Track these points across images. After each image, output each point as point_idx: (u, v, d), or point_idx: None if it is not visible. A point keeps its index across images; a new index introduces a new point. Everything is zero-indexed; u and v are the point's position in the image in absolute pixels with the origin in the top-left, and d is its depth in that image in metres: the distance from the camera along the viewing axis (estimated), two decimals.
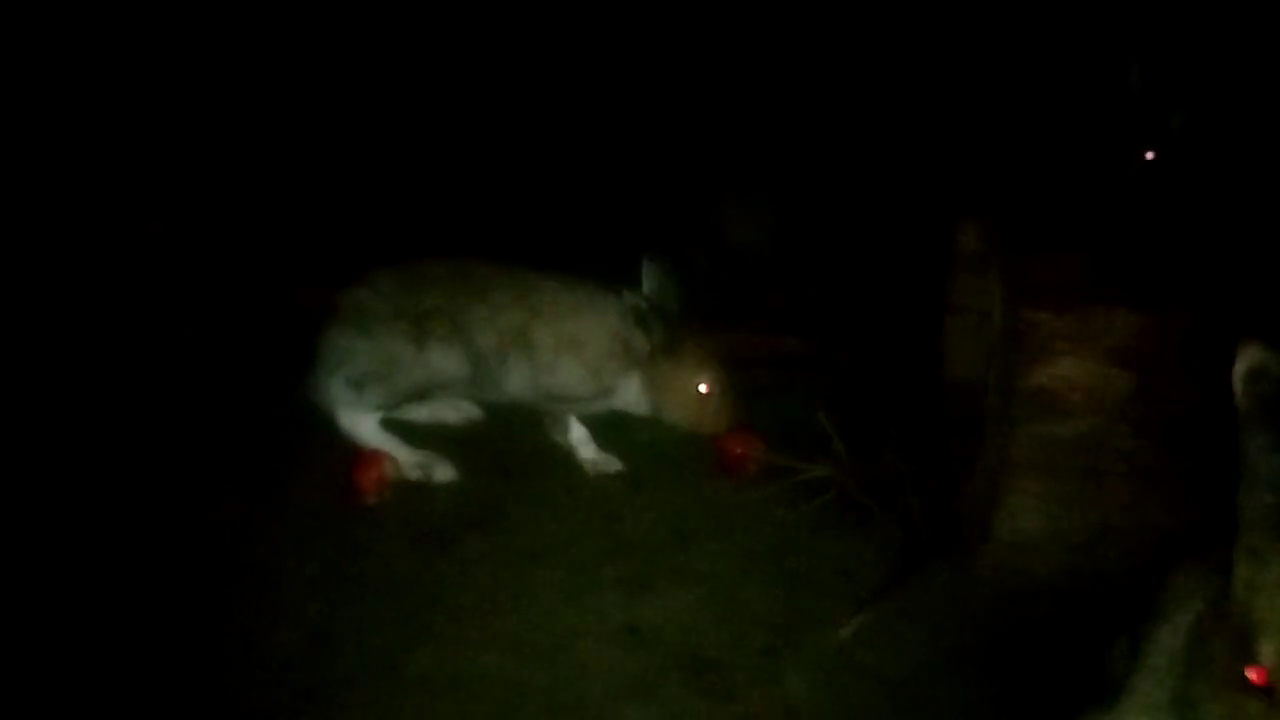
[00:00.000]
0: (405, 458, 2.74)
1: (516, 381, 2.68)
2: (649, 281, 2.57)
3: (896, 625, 2.33)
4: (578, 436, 2.81)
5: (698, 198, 3.71)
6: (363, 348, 2.66)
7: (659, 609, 2.39)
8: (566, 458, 2.81)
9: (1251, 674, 1.34)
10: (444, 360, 2.66)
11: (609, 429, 2.85)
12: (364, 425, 2.73)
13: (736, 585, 2.46)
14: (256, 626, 2.32)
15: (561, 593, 2.42)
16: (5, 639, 2.20)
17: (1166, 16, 3.36)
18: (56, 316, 3.26)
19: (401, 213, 3.72)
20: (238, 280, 3.42)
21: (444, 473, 2.74)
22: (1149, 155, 2.93)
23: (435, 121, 4.03)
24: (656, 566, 2.51)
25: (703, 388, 2.62)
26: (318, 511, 2.63)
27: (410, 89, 4.06)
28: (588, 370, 2.65)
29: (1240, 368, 1.43)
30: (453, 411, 2.96)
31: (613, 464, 2.80)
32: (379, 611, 2.36)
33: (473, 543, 2.56)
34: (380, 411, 2.74)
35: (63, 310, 3.28)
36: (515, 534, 2.59)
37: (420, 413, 2.90)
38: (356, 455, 2.70)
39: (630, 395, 2.70)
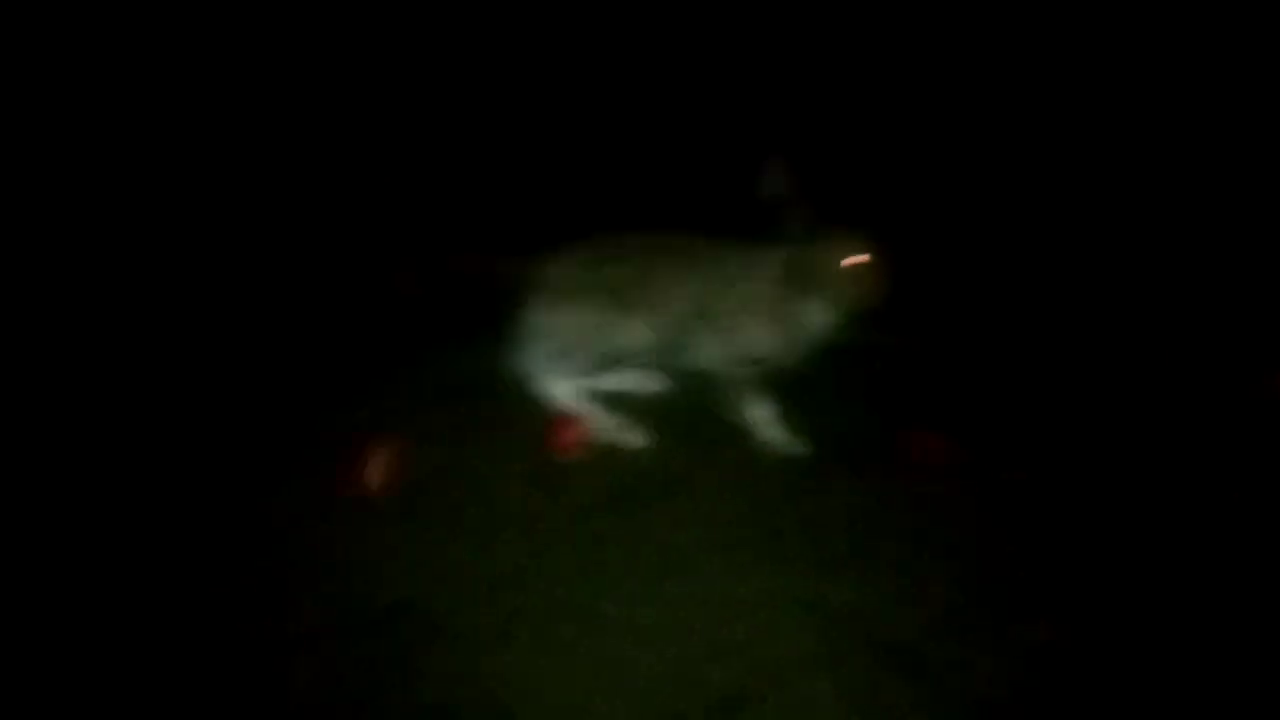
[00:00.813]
0: (600, 422, 2.85)
1: (707, 348, 2.76)
2: (774, 178, 2.68)
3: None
4: (761, 415, 2.85)
5: None
6: (561, 322, 2.80)
7: (842, 589, 2.40)
8: (749, 435, 2.85)
9: None
10: (638, 330, 2.77)
11: (794, 411, 2.88)
12: (563, 391, 2.87)
13: (923, 575, 2.44)
14: (466, 552, 2.47)
15: (746, 563, 2.46)
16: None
17: None
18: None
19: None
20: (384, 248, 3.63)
21: (634, 438, 2.83)
22: None
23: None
24: (838, 549, 2.51)
25: (852, 259, 2.69)
26: (518, 461, 2.77)
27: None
28: (771, 322, 2.75)
29: None
30: (644, 381, 3.06)
31: (796, 445, 2.83)
32: (571, 559, 2.46)
33: (660, 505, 2.63)
34: (578, 379, 2.87)
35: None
36: (700, 501, 2.65)
37: (615, 381, 3.01)
38: (556, 416, 2.84)
39: (815, 313, 2.76)
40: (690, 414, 2.95)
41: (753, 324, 2.79)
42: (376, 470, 2.69)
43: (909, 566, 2.46)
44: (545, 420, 2.86)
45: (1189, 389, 3.02)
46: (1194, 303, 3.40)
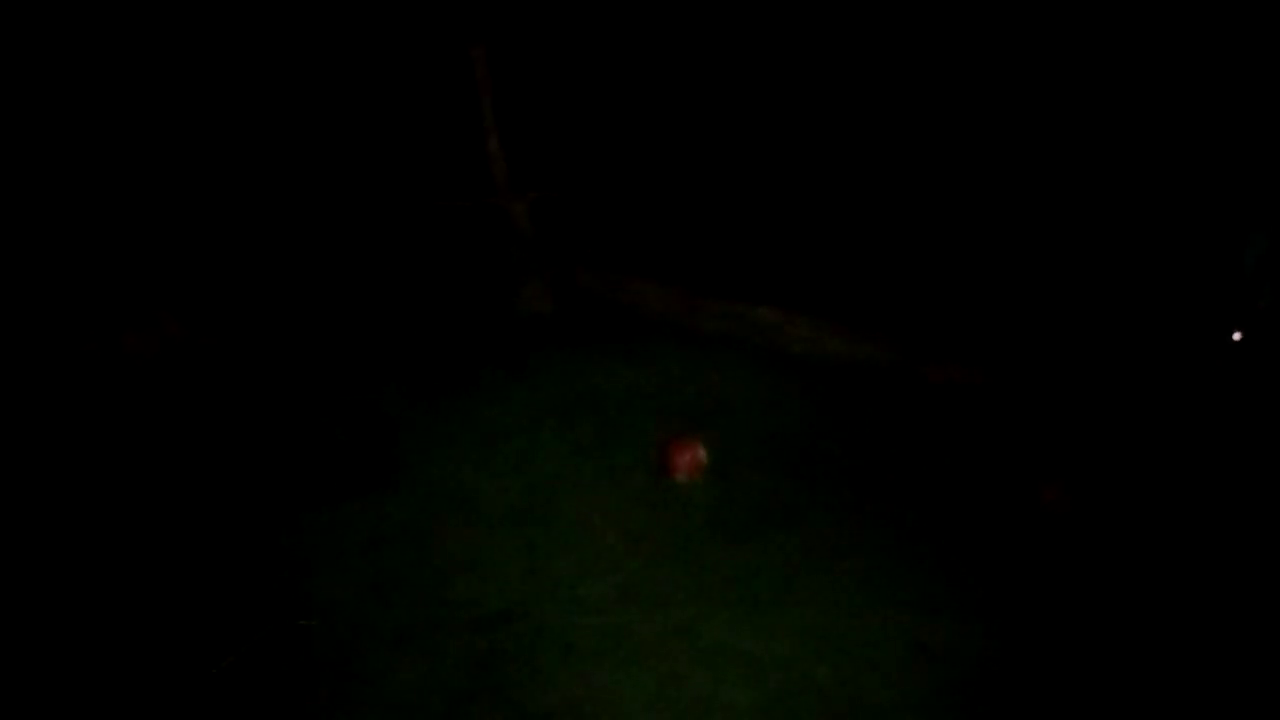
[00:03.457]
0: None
1: None
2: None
3: None
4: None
5: None
6: None
7: (948, 631, 2.38)
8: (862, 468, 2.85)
9: None
10: None
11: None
12: None
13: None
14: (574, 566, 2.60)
15: (854, 601, 2.47)
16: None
17: None
18: None
19: None
20: None
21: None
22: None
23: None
24: (944, 593, 2.49)
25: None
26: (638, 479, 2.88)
27: None
28: None
29: None
30: None
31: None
32: (681, 580, 2.53)
33: (773, 535, 2.67)
34: None
35: None
36: (815, 534, 2.67)
37: None
38: (673, 437, 2.92)
39: None
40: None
41: None
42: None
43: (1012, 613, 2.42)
44: (665, 439, 2.93)
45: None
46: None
